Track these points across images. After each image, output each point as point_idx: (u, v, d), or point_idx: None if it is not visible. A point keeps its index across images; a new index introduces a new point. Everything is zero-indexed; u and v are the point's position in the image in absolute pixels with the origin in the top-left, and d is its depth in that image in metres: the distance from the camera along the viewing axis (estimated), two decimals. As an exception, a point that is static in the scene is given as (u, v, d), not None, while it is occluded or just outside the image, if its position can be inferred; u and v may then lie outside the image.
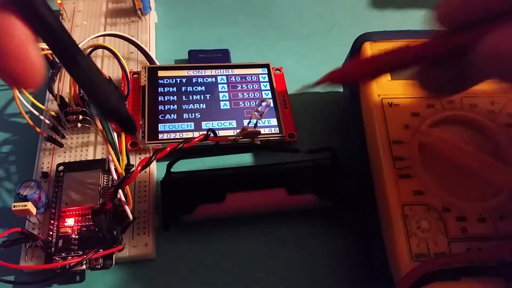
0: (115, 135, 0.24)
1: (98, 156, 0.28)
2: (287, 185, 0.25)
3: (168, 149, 0.22)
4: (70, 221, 0.25)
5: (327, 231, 0.27)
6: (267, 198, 0.25)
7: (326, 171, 0.26)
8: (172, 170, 0.25)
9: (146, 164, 0.21)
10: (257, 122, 0.23)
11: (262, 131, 0.28)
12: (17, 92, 0.26)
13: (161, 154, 0.21)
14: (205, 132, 0.23)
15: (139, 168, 0.20)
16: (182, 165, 0.28)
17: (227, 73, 0.33)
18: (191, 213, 0.25)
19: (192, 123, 0.30)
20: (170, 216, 0.25)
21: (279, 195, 0.25)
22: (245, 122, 0.30)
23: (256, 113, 0.23)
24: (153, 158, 0.21)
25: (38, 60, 0.15)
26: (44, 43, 0.15)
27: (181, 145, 0.22)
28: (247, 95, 0.32)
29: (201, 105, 0.31)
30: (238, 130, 0.30)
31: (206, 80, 0.32)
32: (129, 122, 0.18)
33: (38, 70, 0.15)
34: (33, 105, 0.27)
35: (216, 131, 0.24)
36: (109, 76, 0.31)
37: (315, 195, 0.25)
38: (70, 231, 0.25)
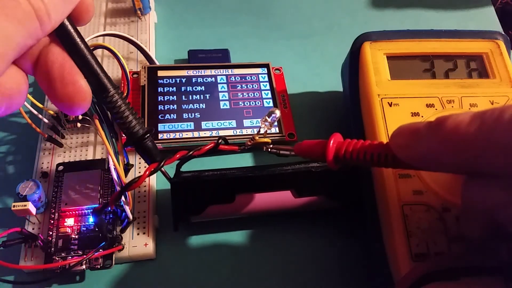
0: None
1: (98, 156, 0.28)
2: (296, 187, 0.25)
3: (177, 156, 0.21)
4: (70, 221, 0.25)
5: (327, 231, 0.27)
6: (276, 200, 0.25)
7: (335, 173, 0.25)
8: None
9: (154, 170, 0.21)
10: (266, 131, 0.23)
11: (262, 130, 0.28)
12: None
13: (169, 161, 0.21)
14: (215, 140, 0.23)
15: (147, 173, 0.20)
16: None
17: (227, 73, 0.33)
18: (200, 213, 0.25)
19: (192, 123, 0.30)
20: (180, 217, 0.25)
21: (288, 197, 0.25)
22: (245, 122, 0.30)
23: (266, 123, 0.23)
24: (161, 165, 0.21)
25: (87, 87, 0.17)
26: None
27: (191, 153, 0.22)
28: (246, 95, 0.32)
29: (201, 105, 0.31)
30: (237, 130, 0.30)
31: (206, 80, 0.32)
32: (152, 154, 0.21)
33: (88, 95, 0.17)
34: (32, 104, 0.27)
35: (227, 139, 0.24)
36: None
37: (324, 197, 0.25)
38: (70, 231, 0.25)
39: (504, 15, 0.44)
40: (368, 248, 0.25)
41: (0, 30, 0.14)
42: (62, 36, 0.16)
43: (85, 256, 0.23)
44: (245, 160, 0.30)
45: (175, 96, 0.31)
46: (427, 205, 0.22)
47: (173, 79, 0.32)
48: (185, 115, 0.30)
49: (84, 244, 0.24)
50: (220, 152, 0.26)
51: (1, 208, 0.27)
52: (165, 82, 0.31)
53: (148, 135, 0.21)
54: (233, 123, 0.30)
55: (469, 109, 0.25)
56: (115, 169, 0.24)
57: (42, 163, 0.28)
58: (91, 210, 0.25)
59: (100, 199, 0.26)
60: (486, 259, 0.19)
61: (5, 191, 0.28)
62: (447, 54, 0.27)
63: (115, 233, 0.25)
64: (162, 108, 0.30)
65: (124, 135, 0.21)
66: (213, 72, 0.32)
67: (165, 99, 0.30)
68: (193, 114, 0.30)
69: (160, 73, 0.32)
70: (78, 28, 0.17)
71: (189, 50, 0.34)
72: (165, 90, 0.31)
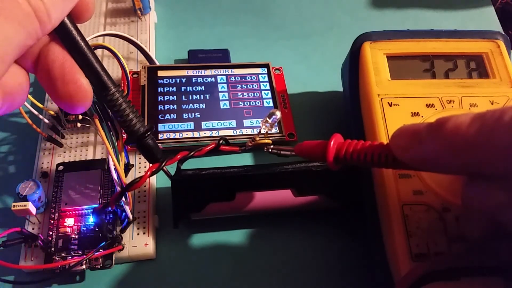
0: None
1: (98, 156, 0.28)
2: (296, 186, 0.25)
3: (178, 156, 0.22)
4: (70, 221, 0.25)
5: (327, 231, 0.27)
6: (276, 198, 0.25)
7: (335, 172, 0.25)
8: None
9: (156, 170, 0.21)
10: (267, 132, 0.23)
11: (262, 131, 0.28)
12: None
13: (170, 161, 0.21)
14: (216, 141, 0.23)
15: (148, 173, 0.20)
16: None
17: (227, 73, 0.33)
18: (200, 211, 0.25)
19: (192, 123, 0.30)
20: (180, 214, 0.25)
21: (288, 195, 0.25)
22: (245, 122, 0.30)
23: (267, 124, 0.23)
24: (162, 165, 0.21)
25: (88, 85, 0.17)
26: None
27: (192, 154, 0.22)
28: (246, 95, 0.32)
29: (201, 105, 0.31)
30: (237, 130, 0.30)
31: (206, 80, 0.32)
32: (153, 152, 0.21)
33: (89, 93, 0.17)
34: (32, 104, 0.27)
35: (228, 139, 0.24)
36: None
37: (324, 196, 0.25)
38: (70, 231, 0.25)
39: (504, 15, 0.44)
40: (368, 248, 0.25)
41: (0, 32, 0.14)
42: (62, 35, 0.17)
43: (85, 256, 0.23)
44: (246, 160, 0.30)
45: (175, 96, 0.31)
46: (427, 205, 0.22)
47: (173, 79, 0.32)
48: (185, 115, 0.30)
49: (84, 244, 0.24)
50: (221, 152, 0.26)
51: (1, 208, 0.27)
52: (165, 82, 0.31)
53: (149, 133, 0.21)
54: (233, 123, 0.30)
55: (469, 109, 0.25)
56: (115, 169, 0.24)
57: (42, 163, 0.28)
58: (91, 210, 0.25)
59: (100, 199, 0.26)
60: (486, 259, 0.19)
61: (5, 191, 0.28)
62: (447, 54, 0.27)
63: (115, 233, 0.25)
64: (162, 108, 0.30)
65: (124, 134, 0.21)
66: (213, 72, 0.32)
67: (165, 99, 0.30)
68: (193, 114, 0.30)
69: (160, 73, 0.32)
70: (79, 26, 0.17)
71: (189, 50, 0.34)
72: (165, 90, 0.31)
